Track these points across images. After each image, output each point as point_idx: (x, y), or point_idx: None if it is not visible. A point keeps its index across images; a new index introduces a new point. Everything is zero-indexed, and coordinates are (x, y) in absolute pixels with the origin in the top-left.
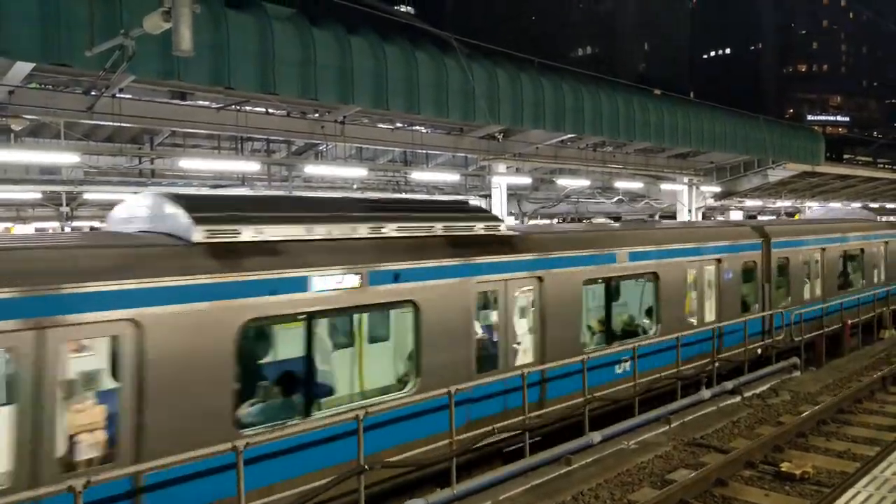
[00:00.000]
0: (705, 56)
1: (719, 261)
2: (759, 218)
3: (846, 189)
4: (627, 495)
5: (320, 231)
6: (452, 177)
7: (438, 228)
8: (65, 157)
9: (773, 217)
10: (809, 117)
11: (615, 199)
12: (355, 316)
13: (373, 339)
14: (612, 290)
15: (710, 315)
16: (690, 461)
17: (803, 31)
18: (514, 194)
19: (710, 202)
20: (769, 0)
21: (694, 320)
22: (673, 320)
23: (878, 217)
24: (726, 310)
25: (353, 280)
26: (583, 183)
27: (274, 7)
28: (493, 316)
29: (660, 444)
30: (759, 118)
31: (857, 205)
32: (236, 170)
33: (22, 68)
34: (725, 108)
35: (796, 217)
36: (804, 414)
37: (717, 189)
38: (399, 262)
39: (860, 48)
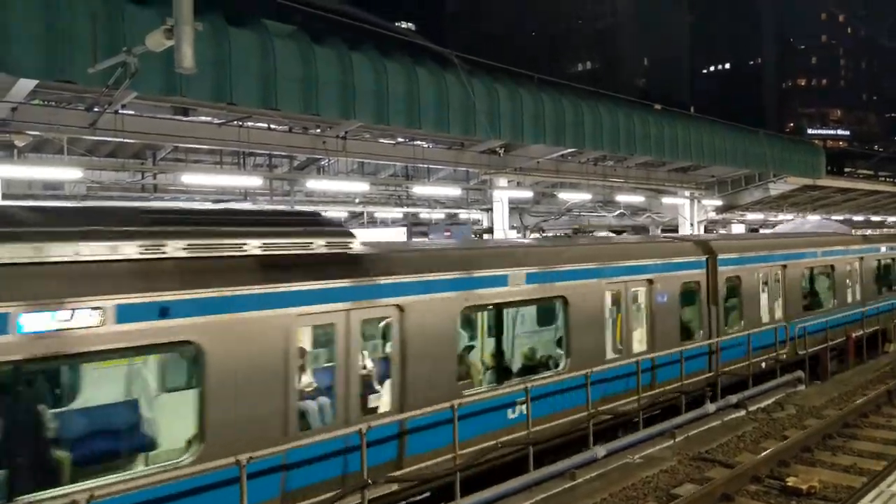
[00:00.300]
0: (705, 71)
1: (650, 281)
2: (762, 231)
3: (847, 202)
4: None
5: (61, 251)
6: (454, 191)
7: (252, 246)
8: (68, 173)
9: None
10: (810, 131)
11: (616, 213)
12: (97, 364)
13: (129, 394)
14: (502, 320)
15: (639, 345)
16: (696, 476)
17: (802, 46)
18: (516, 208)
19: (712, 215)
20: (768, 15)
21: (618, 351)
22: (588, 353)
23: (853, 230)
24: (661, 338)
25: (88, 317)
26: (584, 197)
27: (275, 24)
28: (328, 357)
29: (665, 458)
30: (759, 132)
31: (837, 217)
32: (238, 185)
33: (25, 85)
34: (725, 123)
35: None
36: (809, 428)
37: (719, 202)
38: (171, 292)
39: (859, 62)
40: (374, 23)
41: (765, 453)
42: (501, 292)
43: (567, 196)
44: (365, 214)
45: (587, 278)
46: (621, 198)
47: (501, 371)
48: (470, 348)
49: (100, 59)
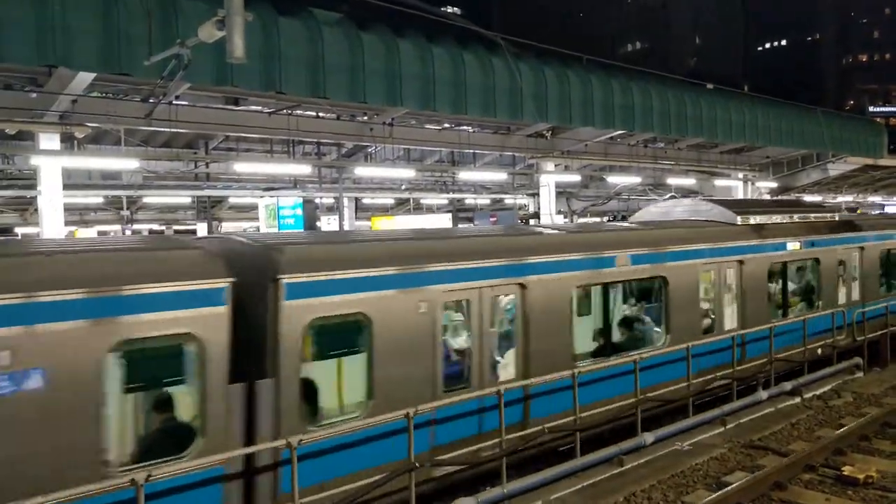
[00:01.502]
0: (760, 48)
1: None
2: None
3: None
4: (681, 497)
5: None
6: (499, 176)
7: None
8: (125, 163)
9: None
10: (871, 108)
11: (667, 196)
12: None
13: None
14: None
15: None
16: (747, 463)
17: (864, 20)
18: (563, 192)
19: (767, 198)
20: None
21: None
22: None
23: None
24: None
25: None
26: (633, 180)
27: (322, 12)
28: None
29: (715, 445)
30: (816, 111)
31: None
32: (288, 173)
33: (84, 78)
34: (781, 101)
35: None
36: (867, 416)
37: (774, 184)
38: None
39: None
40: (420, 7)
41: (820, 441)
42: None
43: (616, 179)
44: (411, 201)
45: None
46: (672, 180)
47: None
48: None
49: (154, 51)
